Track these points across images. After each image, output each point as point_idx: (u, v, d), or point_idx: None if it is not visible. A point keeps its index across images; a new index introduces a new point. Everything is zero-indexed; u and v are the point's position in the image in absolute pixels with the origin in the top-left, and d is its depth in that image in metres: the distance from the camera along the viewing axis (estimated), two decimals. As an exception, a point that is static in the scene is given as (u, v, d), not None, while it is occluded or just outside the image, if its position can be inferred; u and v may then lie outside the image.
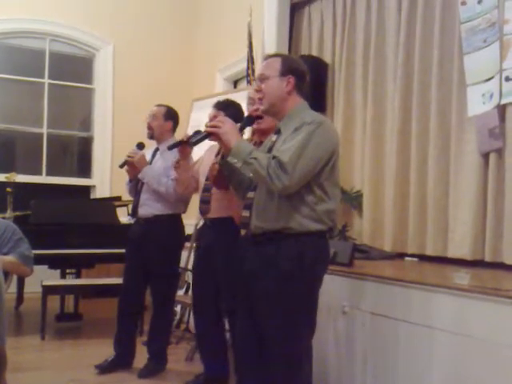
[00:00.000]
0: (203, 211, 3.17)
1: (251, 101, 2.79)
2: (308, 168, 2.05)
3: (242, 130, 2.56)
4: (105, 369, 3.47)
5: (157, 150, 3.60)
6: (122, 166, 3.51)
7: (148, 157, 3.53)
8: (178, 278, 3.81)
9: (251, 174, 2.19)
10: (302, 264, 2.11)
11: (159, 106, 3.63)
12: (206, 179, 3.13)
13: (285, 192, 2.08)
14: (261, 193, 2.23)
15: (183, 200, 3.54)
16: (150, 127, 3.57)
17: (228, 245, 2.96)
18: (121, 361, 3.54)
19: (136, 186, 3.57)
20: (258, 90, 2.27)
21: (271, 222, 2.16)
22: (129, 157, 3.45)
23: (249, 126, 2.61)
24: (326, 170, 2.12)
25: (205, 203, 3.14)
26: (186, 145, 3.14)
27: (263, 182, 2.13)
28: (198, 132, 3.20)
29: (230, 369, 3.26)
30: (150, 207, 3.47)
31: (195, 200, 3.38)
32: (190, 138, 3.15)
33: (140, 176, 3.47)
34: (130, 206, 3.87)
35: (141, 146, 3.58)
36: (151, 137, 3.59)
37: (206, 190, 3.14)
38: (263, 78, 2.24)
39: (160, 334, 3.57)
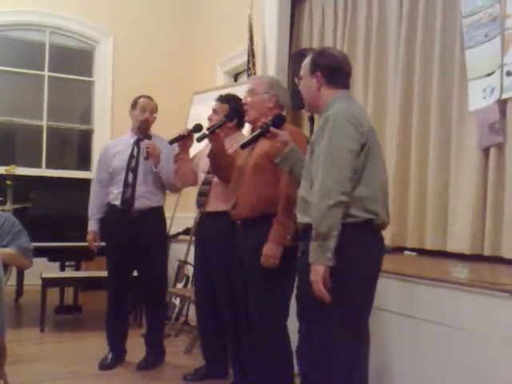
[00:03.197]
0: (201, 203, 3.17)
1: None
2: (341, 169, 1.99)
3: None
4: (108, 367, 3.46)
5: (138, 140, 3.52)
6: (146, 158, 3.42)
7: (127, 149, 3.48)
8: (167, 269, 3.82)
9: None
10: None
11: (149, 98, 3.61)
12: (208, 172, 3.14)
13: (343, 202, 2.00)
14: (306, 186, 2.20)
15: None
16: (148, 121, 3.54)
17: (224, 239, 2.96)
18: (120, 352, 3.56)
19: (126, 177, 3.45)
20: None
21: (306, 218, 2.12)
22: (148, 149, 3.39)
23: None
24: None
25: (203, 195, 3.15)
26: (187, 139, 3.16)
27: None
28: (197, 126, 3.22)
29: (228, 364, 3.27)
30: (147, 199, 3.45)
31: (194, 193, 3.38)
32: (190, 131, 3.16)
33: (157, 170, 3.42)
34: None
35: (150, 137, 3.52)
36: (145, 130, 3.54)
37: (206, 182, 3.15)
38: (299, 79, 2.31)
39: (155, 326, 3.58)
